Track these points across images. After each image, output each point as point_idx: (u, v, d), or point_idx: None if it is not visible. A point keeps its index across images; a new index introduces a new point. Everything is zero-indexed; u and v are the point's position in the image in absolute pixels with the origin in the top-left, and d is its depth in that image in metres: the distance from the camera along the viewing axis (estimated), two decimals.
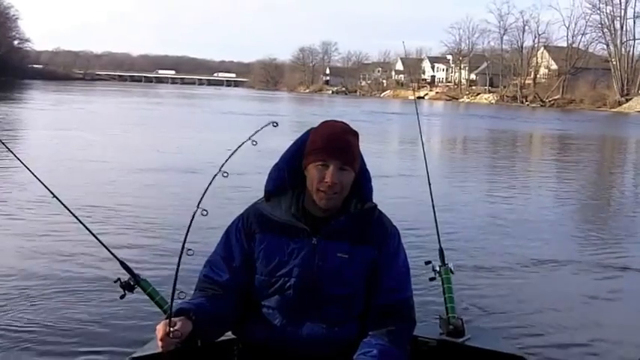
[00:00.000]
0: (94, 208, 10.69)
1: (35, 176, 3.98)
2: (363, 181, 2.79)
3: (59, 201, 3.86)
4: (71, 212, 3.86)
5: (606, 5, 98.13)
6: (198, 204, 2.48)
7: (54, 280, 6.99)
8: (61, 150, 19.53)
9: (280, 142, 3.57)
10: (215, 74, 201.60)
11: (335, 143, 2.66)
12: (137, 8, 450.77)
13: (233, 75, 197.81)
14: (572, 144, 33.72)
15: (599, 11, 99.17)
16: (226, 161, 2.61)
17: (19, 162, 4.25)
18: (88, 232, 3.86)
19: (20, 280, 6.92)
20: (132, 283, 3.62)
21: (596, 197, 16.78)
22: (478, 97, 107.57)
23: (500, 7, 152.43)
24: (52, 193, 3.89)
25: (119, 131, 27.29)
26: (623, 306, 7.41)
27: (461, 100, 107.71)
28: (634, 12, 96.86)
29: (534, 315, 6.77)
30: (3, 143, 4.30)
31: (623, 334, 6.45)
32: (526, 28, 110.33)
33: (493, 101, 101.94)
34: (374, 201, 2.84)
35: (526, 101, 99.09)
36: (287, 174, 2.77)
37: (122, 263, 3.69)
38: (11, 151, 4.33)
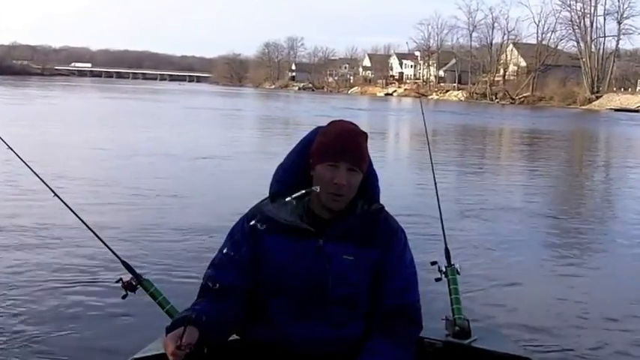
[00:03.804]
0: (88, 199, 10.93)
1: (38, 176, 4.02)
2: (370, 182, 2.77)
3: (60, 200, 3.88)
4: (72, 211, 3.88)
5: (576, 2, 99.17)
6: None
7: (53, 280, 6.95)
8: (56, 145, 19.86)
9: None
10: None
11: (345, 144, 2.64)
12: (97, 2, 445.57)
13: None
14: (542, 139, 34.57)
15: (569, 8, 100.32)
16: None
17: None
18: (89, 231, 3.86)
19: (18, 280, 6.88)
20: (134, 283, 3.52)
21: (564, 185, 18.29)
22: (447, 94, 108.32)
23: (469, 4, 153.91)
24: (53, 191, 3.93)
25: (98, 125, 28.27)
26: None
27: (430, 97, 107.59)
28: (604, 9, 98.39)
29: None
30: (4, 142, 4.29)
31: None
32: (495, 24, 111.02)
33: (462, 98, 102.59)
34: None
35: (495, 98, 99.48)
36: (293, 174, 2.75)
37: (124, 263, 3.65)
38: (13, 150, 4.20)
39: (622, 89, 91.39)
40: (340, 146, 2.63)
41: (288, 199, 2.52)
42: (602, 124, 50.56)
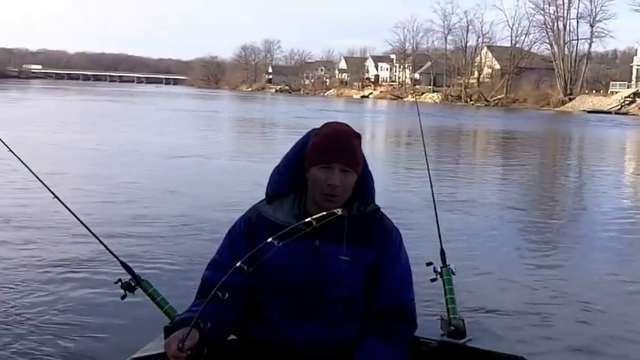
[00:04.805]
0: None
1: (38, 178, 4.01)
2: (365, 182, 2.79)
3: (60, 202, 3.90)
4: (72, 212, 3.91)
5: (550, 6, 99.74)
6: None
7: (53, 280, 7.03)
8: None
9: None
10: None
11: (338, 145, 2.67)
12: (74, 5, 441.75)
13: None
14: (516, 140, 35.52)
15: (542, 12, 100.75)
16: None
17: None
18: (89, 232, 3.88)
19: (18, 280, 6.93)
20: (133, 284, 3.57)
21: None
22: (423, 96, 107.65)
23: (444, 7, 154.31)
24: (53, 194, 3.93)
25: (81, 126, 28.80)
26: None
27: (406, 99, 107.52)
28: (577, 12, 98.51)
29: None
30: (6, 145, 4.21)
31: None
32: (470, 28, 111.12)
33: (438, 100, 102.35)
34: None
35: (470, 100, 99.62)
36: (288, 176, 2.79)
37: (123, 264, 3.66)
38: (14, 153, 4.17)
39: (594, 91, 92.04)
40: (333, 148, 2.66)
41: (307, 219, 2.35)
42: (575, 126, 50.98)
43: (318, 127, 2.81)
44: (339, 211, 2.32)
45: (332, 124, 2.78)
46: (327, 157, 2.65)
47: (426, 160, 4.93)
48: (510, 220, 11.77)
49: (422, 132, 5.51)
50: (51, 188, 3.97)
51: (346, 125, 2.77)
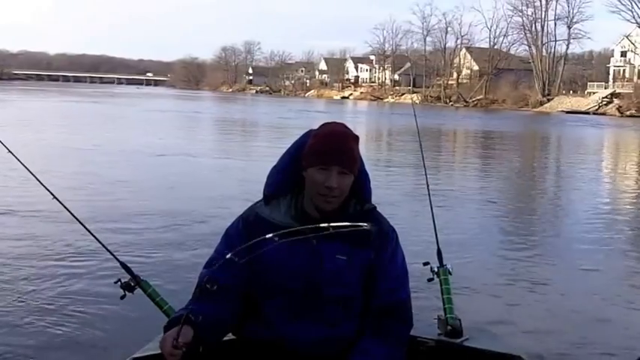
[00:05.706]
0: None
1: (37, 179, 3.99)
2: (362, 182, 2.79)
3: (59, 202, 3.88)
4: (71, 213, 3.89)
5: (527, 7, 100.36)
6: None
7: (52, 280, 7.01)
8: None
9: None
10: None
11: (336, 147, 2.67)
12: (55, 7, 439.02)
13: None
14: (494, 139, 35.73)
15: (520, 13, 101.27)
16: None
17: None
18: (88, 232, 3.87)
19: (17, 280, 6.95)
20: (132, 284, 3.58)
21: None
22: (402, 97, 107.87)
23: (423, 9, 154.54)
24: (52, 195, 3.92)
25: (69, 127, 29.00)
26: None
27: (386, 100, 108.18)
28: (555, 14, 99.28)
29: None
30: (6, 147, 4.21)
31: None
32: (449, 29, 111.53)
33: (417, 101, 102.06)
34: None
35: (450, 101, 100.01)
36: (286, 176, 2.79)
37: (122, 264, 3.66)
38: (14, 155, 4.16)
39: (571, 92, 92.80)
40: (331, 149, 2.65)
41: (313, 223, 2.39)
42: (553, 126, 51.50)
43: (315, 127, 2.82)
44: (367, 226, 2.30)
45: (330, 125, 2.78)
46: (325, 159, 2.64)
47: (423, 162, 4.93)
48: (489, 214, 12.27)
49: (419, 134, 5.39)
50: (46, 186, 3.97)
51: (344, 126, 2.77)
